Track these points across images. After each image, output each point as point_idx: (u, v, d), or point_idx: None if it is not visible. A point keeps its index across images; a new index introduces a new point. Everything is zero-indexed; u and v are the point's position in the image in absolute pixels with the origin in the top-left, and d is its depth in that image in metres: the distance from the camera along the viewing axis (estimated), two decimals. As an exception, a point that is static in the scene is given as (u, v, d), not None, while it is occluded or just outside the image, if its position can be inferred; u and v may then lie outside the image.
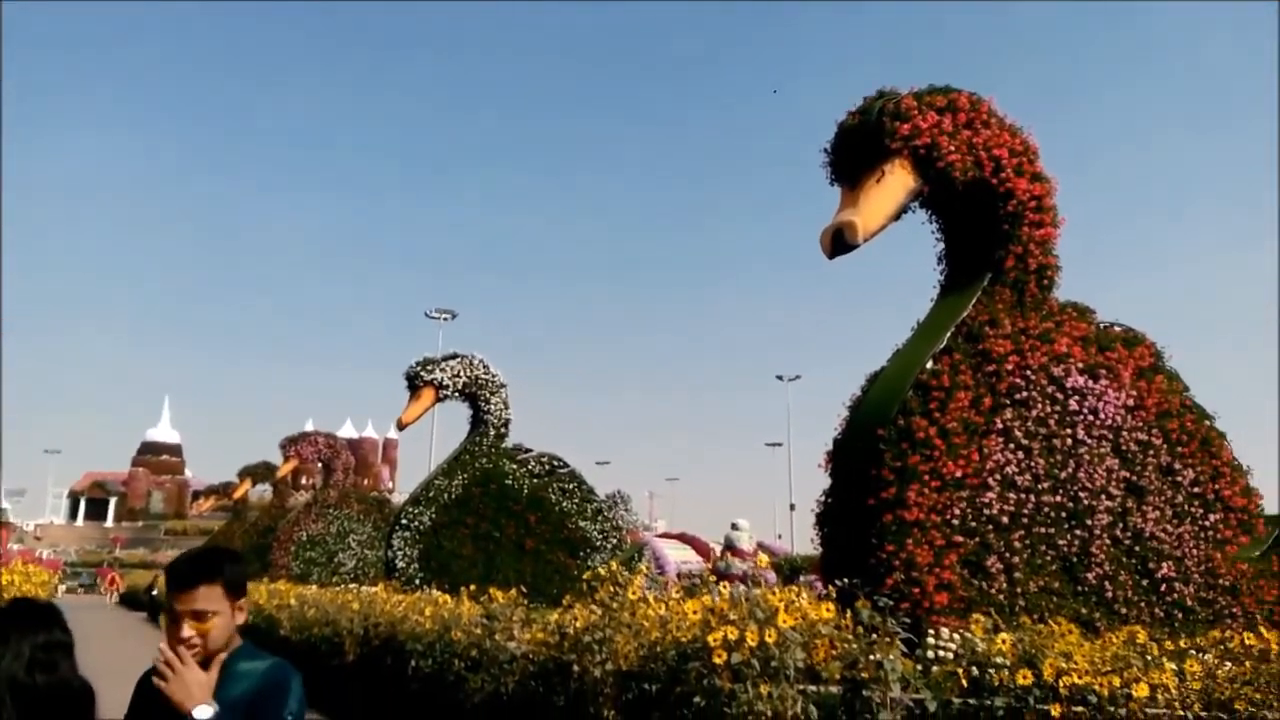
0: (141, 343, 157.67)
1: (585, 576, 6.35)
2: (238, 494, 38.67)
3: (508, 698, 6.85)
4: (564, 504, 17.05)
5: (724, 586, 4.88)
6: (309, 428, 35.73)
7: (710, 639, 4.52)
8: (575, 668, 6.06)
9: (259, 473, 36.82)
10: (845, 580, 5.28)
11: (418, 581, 15.44)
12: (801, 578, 24.73)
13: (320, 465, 30.50)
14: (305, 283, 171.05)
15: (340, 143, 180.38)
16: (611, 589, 6.19)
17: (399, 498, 45.35)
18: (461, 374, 17.04)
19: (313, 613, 11.63)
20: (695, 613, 4.79)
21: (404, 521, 16.43)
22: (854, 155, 7.48)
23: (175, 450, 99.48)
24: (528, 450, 17.64)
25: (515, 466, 17.11)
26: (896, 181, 7.30)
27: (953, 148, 7.30)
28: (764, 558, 6.37)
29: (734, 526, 35.31)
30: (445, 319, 42.24)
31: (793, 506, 58.13)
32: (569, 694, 6.18)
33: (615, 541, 17.52)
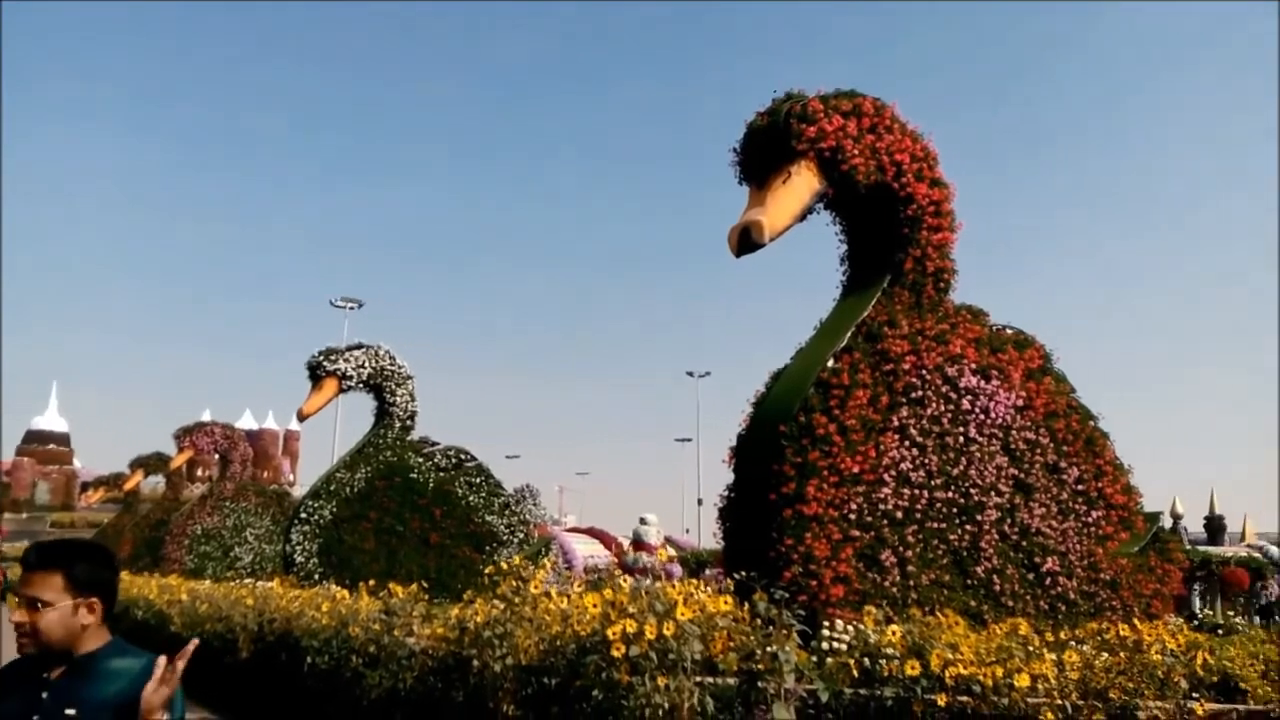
0: (27, 325, 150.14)
1: (487, 571, 6.30)
2: (129, 485, 37.09)
3: (405, 694, 6.75)
4: (470, 498, 16.87)
5: (624, 580, 4.89)
6: (205, 418, 34.40)
7: (609, 632, 4.53)
8: (475, 663, 6.00)
9: (152, 464, 35.37)
10: (744, 573, 5.35)
11: (317, 577, 15.08)
12: (707, 571, 25.03)
13: (217, 457, 29.48)
14: (203, 266, 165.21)
15: (241, 120, 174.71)
16: (514, 583, 6.15)
17: (300, 491, 44.26)
18: (366, 365, 16.69)
19: (205, 608, 11.25)
20: (595, 606, 4.80)
21: (303, 515, 16.03)
22: (761, 155, 7.58)
23: (63, 439, 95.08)
24: (434, 443, 17.40)
25: (421, 460, 16.86)
26: (802, 183, 7.43)
27: (856, 151, 7.47)
28: (664, 551, 6.40)
29: (642, 521, 35.52)
30: (351, 308, 41.38)
31: (700, 501, 58.76)
32: (468, 689, 6.13)
33: (522, 536, 17.41)
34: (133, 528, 33.97)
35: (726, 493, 8.14)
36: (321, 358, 16.78)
